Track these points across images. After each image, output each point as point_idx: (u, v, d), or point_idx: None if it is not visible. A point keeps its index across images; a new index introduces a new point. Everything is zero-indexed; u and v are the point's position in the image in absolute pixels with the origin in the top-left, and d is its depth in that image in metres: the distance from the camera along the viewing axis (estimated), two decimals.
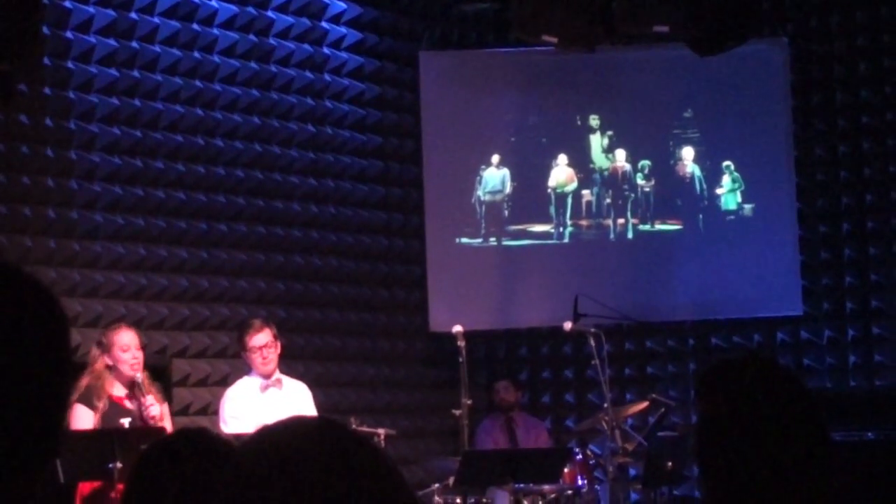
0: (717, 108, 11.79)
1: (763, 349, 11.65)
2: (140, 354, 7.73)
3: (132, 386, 7.67)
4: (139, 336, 7.92)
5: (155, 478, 2.73)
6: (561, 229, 11.74)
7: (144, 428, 7.40)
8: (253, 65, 10.20)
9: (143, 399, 7.59)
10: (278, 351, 8.29)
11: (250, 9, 10.16)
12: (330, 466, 1.58)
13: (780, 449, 2.46)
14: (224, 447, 2.79)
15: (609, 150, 11.80)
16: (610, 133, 11.81)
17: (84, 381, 7.50)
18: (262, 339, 8.20)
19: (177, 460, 2.74)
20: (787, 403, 2.51)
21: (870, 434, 9.42)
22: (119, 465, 6.89)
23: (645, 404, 9.84)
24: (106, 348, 7.63)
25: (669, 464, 9.11)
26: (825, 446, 2.49)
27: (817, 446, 2.49)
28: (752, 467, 2.46)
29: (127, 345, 7.65)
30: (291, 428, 1.65)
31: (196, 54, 9.84)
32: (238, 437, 7.28)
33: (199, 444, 2.79)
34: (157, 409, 7.60)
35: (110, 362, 7.62)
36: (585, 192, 11.76)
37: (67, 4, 9.06)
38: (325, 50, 10.74)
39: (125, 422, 7.49)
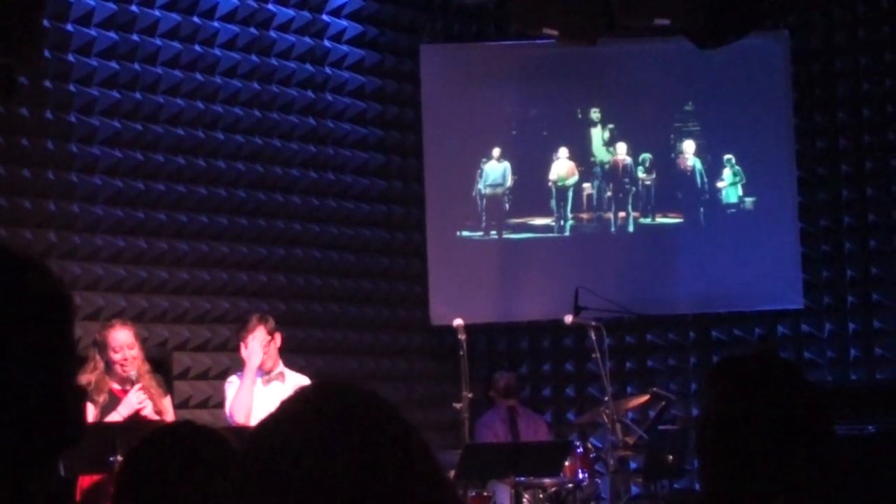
0: (718, 101, 11.78)
1: (764, 343, 11.64)
2: (133, 352, 7.66)
3: (125, 382, 7.65)
4: (135, 331, 7.84)
5: (142, 471, 2.72)
6: (562, 222, 11.74)
7: (145, 421, 7.40)
8: (254, 58, 10.19)
9: (131, 396, 7.56)
10: (278, 345, 8.27)
11: (251, 2, 10.16)
12: (343, 427, 1.58)
13: (783, 445, 2.46)
14: (211, 440, 2.77)
15: (610, 144, 11.79)
16: (611, 126, 11.80)
17: (86, 379, 7.49)
18: (256, 337, 8.20)
19: (162, 454, 2.73)
20: (792, 400, 2.51)
21: (871, 427, 9.41)
22: (119, 458, 6.89)
23: (646, 398, 9.84)
24: (101, 347, 7.62)
25: (670, 457, 9.11)
26: (829, 443, 2.49)
27: (821, 443, 2.48)
28: (756, 462, 2.45)
29: (119, 345, 7.60)
30: (305, 392, 1.66)
31: (197, 47, 9.83)
32: (234, 430, 7.27)
33: (185, 436, 2.78)
34: (148, 409, 7.59)
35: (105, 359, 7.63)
36: (586, 185, 11.75)
37: None
38: (326, 43, 10.73)
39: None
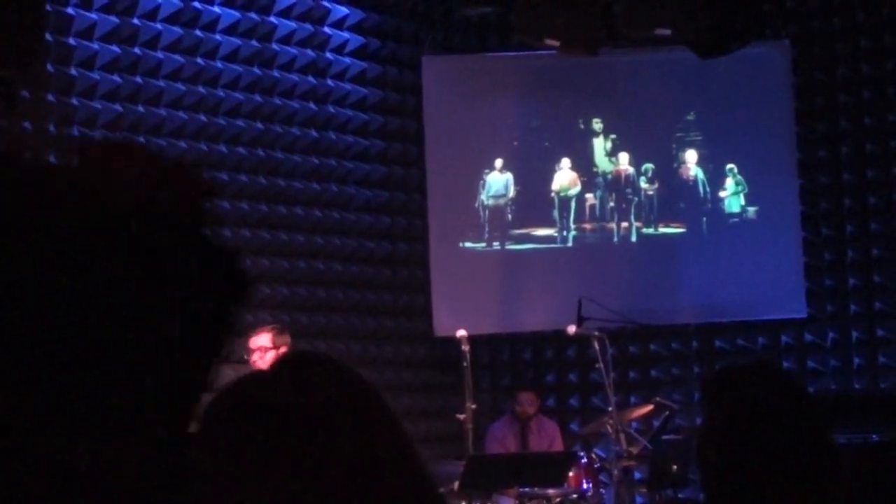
0: (720, 110, 11.79)
1: (767, 352, 11.64)
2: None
3: None
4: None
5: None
6: (564, 233, 11.74)
7: None
8: (256, 70, 10.21)
9: None
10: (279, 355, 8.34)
11: (253, 14, 10.18)
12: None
13: (781, 457, 2.46)
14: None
15: (612, 154, 11.80)
16: (613, 136, 11.80)
17: None
18: (256, 343, 8.29)
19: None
20: (790, 411, 2.51)
21: (874, 436, 9.41)
22: None
23: (649, 407, 9.84)
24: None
25: (674, 467, 9.11)
26: (828, 455, 2.49)
27: (819, 455, 2.49)
28: (754, 474, 2.46)
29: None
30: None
31: (199, 60, 9.85)
32: None
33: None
34: None
35: None
36: (589, 195, 11.76)
37: (70, 11, 9.07)
38: (328, 55, 10.75)
39: None
